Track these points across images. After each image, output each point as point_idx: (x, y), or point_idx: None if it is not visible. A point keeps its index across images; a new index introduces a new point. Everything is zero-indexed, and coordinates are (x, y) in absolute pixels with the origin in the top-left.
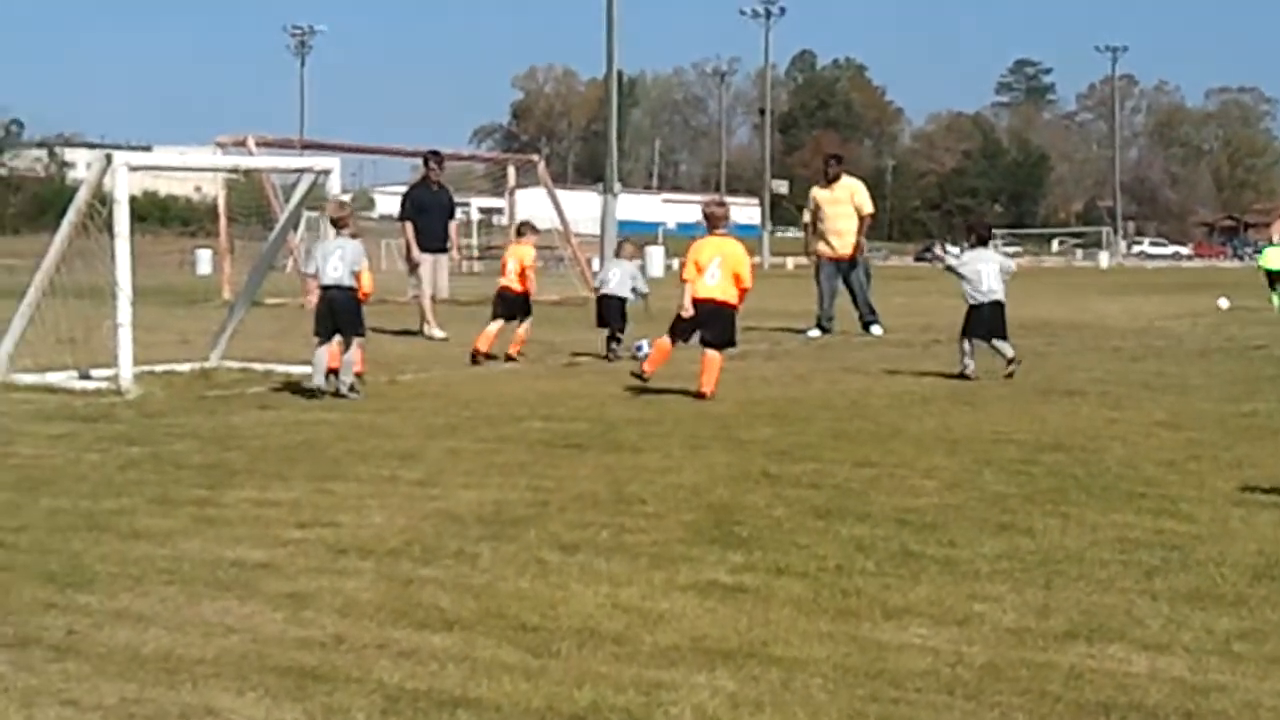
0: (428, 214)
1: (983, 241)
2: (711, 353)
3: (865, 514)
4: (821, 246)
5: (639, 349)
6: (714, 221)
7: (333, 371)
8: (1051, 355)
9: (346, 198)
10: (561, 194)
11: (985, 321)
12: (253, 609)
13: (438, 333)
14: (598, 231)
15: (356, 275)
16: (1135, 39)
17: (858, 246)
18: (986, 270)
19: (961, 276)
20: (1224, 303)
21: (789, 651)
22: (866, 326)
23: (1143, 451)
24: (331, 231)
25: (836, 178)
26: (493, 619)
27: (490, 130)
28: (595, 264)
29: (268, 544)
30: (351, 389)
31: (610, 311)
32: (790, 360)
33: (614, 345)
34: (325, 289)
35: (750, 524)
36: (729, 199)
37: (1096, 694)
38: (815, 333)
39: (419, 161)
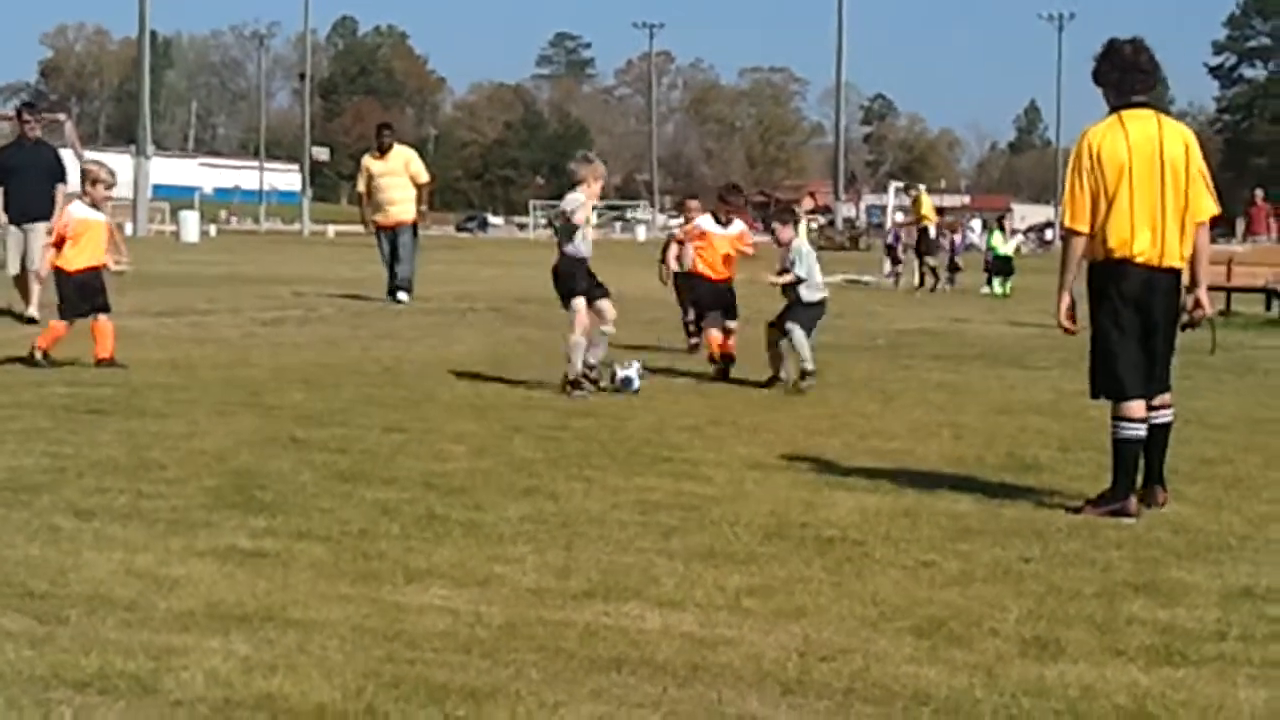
0: (19, 176)
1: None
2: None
3: (392, 478)
4: (378, 216)
5: (628, 382)
6: None
7: None
8: None
9: None
10: (92, 155)
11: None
12: None
13: (32, 311)
14: (131, 195)
15: None
16: (672, 16)
17: (420, 215)
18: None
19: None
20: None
21: (307, 614)
22: (393, 292)
23: (669, 418)
24: None
25: (389, 147)
26: None
27: (17, 89)
28: (128, 228)
29: None
30: None
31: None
32: (324, 326)
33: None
34: None
35: (274, 489)
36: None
37: (610, 650)
38: (404, 296)
39: None
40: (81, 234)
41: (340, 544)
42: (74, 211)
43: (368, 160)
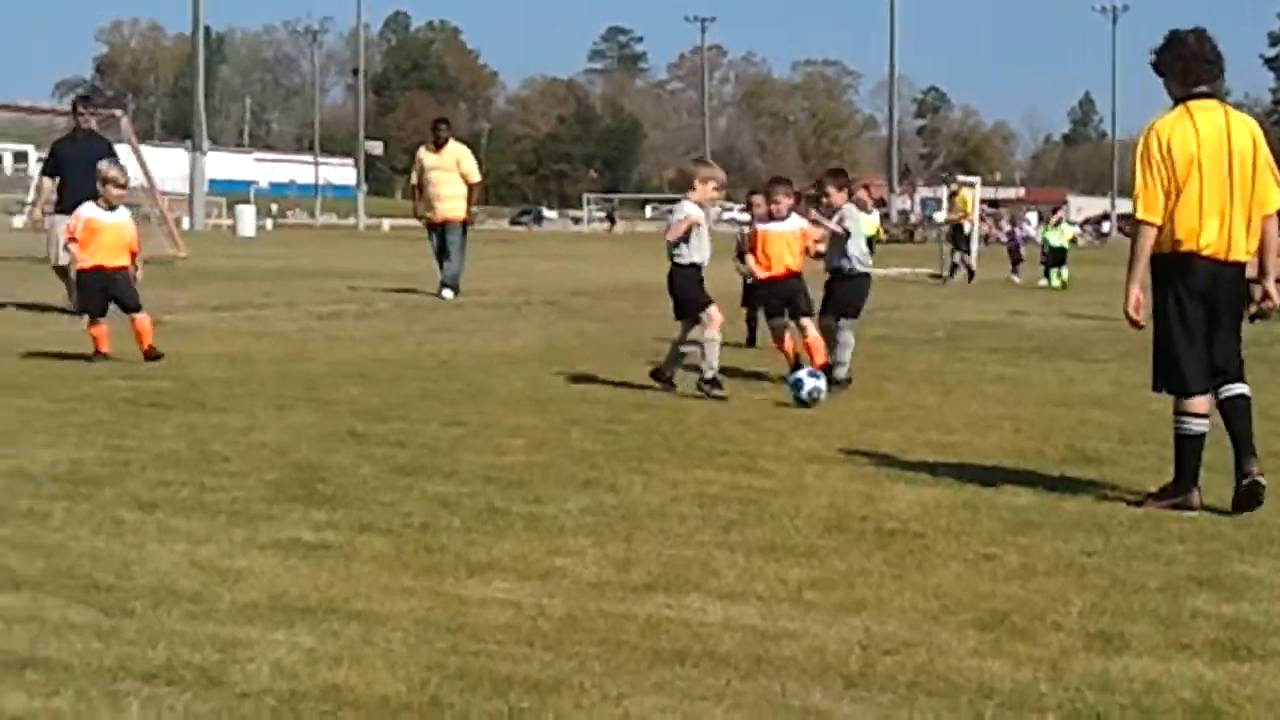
0: (70, 166)
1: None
2: None
3: (452, 472)
4: (429, 212)
5: (814, 392)
6: None
7: None
8: (642, 318)
9: None
10: (149, 151)
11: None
12: None
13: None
14: (187, 189)
15: None
16: (724, 10)
17: (469, 214)
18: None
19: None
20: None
21: (370, 607)
22: (442, 287)
23: (725, 410)
24: None
25: (444, 142)
26: (63, 578)
27: (74, 84)
28: (185, 223)
29: None
30: None
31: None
32: (381, 321)
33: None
34: None
35: (334, 482)
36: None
37: (672, 642)
38: (449, 294)
39: None
40: (89, 235)
41: (402, 537)
42: (82, 212)
43: (422, 153)
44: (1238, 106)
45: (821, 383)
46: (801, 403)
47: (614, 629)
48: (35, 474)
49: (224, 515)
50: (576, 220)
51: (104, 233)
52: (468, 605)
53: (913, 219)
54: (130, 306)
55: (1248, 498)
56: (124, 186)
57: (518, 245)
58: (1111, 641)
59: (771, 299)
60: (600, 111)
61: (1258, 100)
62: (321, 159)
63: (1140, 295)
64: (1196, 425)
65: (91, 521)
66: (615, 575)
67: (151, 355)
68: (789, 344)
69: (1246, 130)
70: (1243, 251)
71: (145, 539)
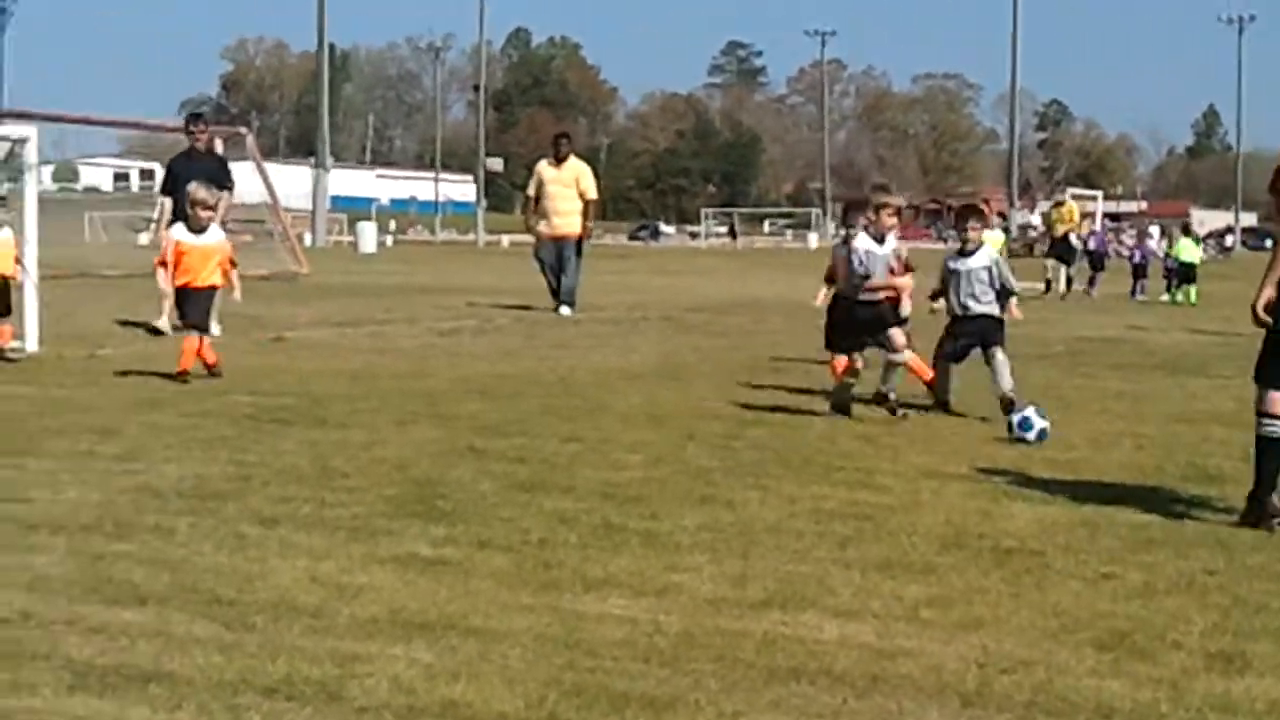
0: (183, 185)
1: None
2: None
3: (569, 488)
4: (542, 226)
5: (1027, 427)
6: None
7: None
8: (759, 333)
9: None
10: (273, 168)
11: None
12: None
13: (163, 324)
14: (310, 206)
15: None
16: (844, 23)
17: (585, 230)
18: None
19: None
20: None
21: (488, 623)
22: (559, 306)
23: (841, 426)
24: None
25: (565, 157)
26: (187, 593)
27: (200, 102)
28: (307, 239)
29: None
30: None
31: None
32: (500, 337)
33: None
34: None
35: (454, 498)
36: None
37: (788, 660)
38: (566, 310)
39: (127, 133)
40: (177, 257)
41: (520, 553)
42: (172, 234)
43: (542, 167)
44: None
45: (1047, 423)
46: (1025, 441)
47: (730, 646)
48: (162, 489)
49: (344, 531)
50: (694, 235)
51: (190, 255)
52: (584, 621)
53: (1032, 233)
54: (193, 323)
55: None
56: (212, 208)
57: (635, 260)
58: (1233, 662)
59: (854, 323)
60: (719, 126)
61: None
62: (442, 175)
63: (1273, 295)
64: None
65: (215, 537)
66: (731, 592)
67: (182, 375)
68: (839, 362)
69: None
70: None
71: (267, 554)
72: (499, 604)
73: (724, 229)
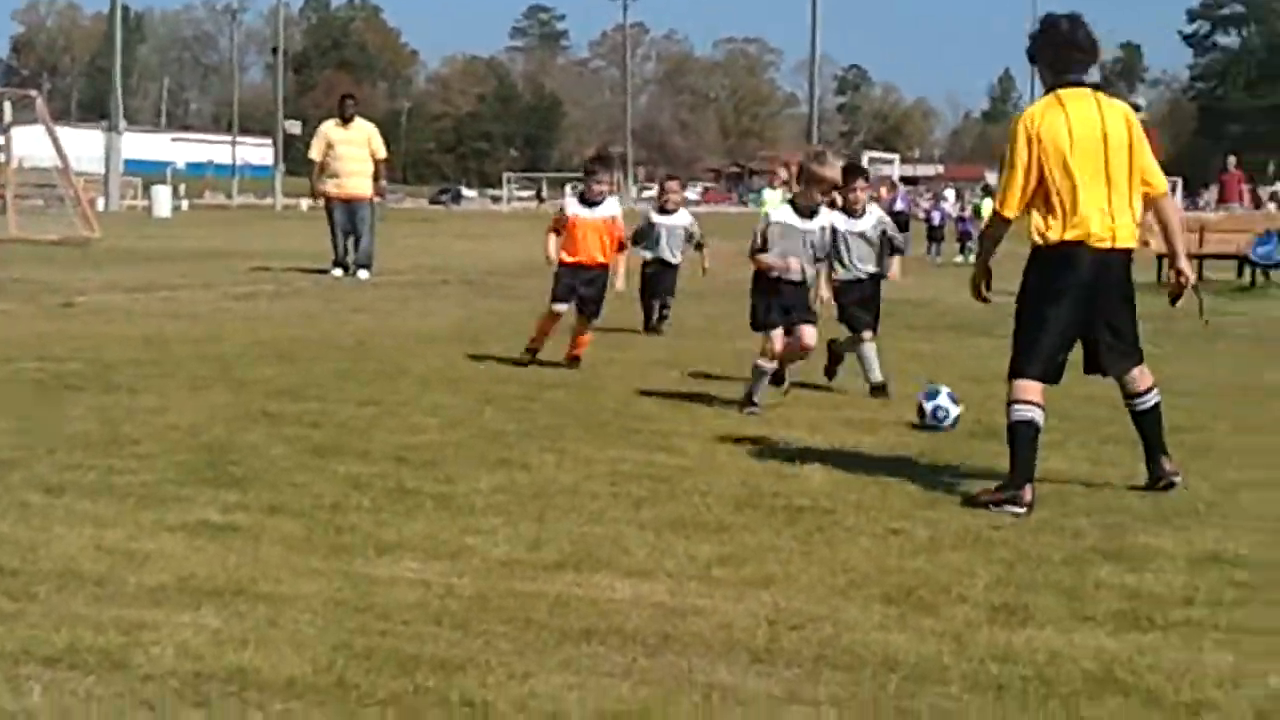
0: None
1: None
2: None
3: (364, 452)
4: (330, 186)
5: (942, 415)
6: None
7: None
8: None
9: None
10: (65, 131)
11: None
12: None
13: None
14: (103, 170)
15: None
16: None
17: (379, 190)
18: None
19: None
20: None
21: (278, 588)
22: (357, 269)
23: (639, 389)
24: None
25: (352, 118)
26: None
27: None
28: (100, 203)
29: None
30: None
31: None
32: (298, 300)
33: (665, 316)
34: None
35: (245, 463)
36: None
37: (580, 620)
38: (337, 272)
39: None
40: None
41: (312, 518)
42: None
43: (328, 128)
44: (1155, 83)
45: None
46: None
47: (522, 607)
48: None
49: (132, 498)
50: (496, 199)
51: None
52: (376, 585)
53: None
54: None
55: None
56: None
57: (437, 224)
58: (1015, 614)
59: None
60: (521, 90)
61: (1175, 77)
62: (240, 139)
63: (988, 274)
64: (1027, 412)
65: None
66: (525, 554)
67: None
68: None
69: (1120, 116)
70: (1130, 238)
71: (51, 522)
72: (289, 569)
73: (528, 193)
